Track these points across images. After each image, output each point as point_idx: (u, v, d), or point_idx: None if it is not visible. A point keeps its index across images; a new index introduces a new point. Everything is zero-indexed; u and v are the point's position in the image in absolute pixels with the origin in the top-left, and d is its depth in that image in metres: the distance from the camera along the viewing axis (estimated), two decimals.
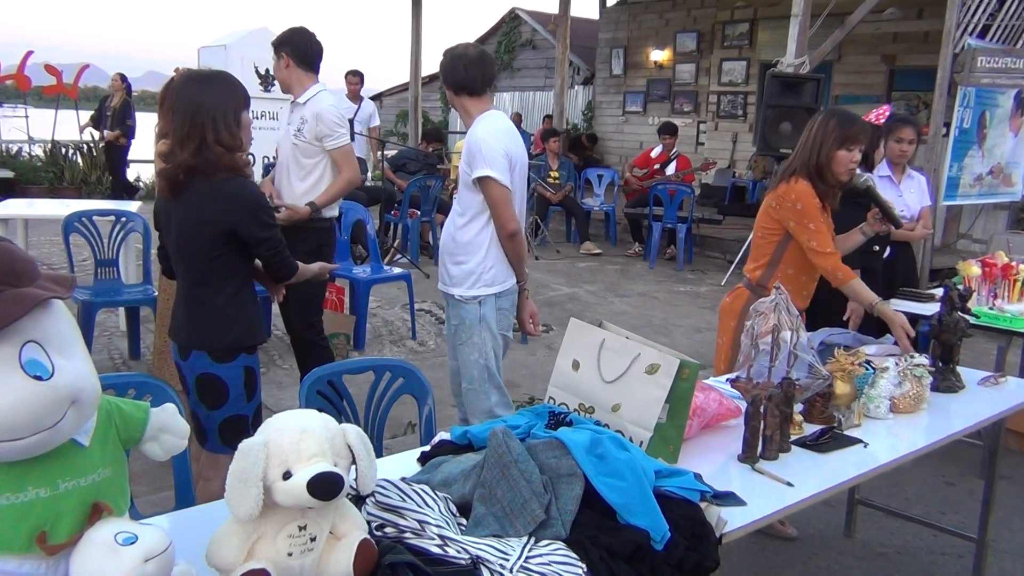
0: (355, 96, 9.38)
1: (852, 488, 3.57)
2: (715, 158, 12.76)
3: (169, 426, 1.49)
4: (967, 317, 3.02)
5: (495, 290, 3.30)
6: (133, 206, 5.38)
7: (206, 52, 9.86)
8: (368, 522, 1.60)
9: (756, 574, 3.25)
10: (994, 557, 3.40)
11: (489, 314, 3.29)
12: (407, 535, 1.58)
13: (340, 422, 2.59)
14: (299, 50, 3.91)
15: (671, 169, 9.78)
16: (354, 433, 1.51)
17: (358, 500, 1.65)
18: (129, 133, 11.82)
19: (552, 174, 9.83)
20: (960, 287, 3.01)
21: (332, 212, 4.02)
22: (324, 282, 4.19)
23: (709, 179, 12.29)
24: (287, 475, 1.41)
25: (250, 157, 2.81)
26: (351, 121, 9.29)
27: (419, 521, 1.60)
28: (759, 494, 2.05)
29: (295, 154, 3.93)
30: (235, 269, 2.59)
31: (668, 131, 9.68)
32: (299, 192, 3.95)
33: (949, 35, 7.15)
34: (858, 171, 3.28)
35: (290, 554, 1.44)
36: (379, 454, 2.58)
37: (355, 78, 9.41)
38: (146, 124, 9.17)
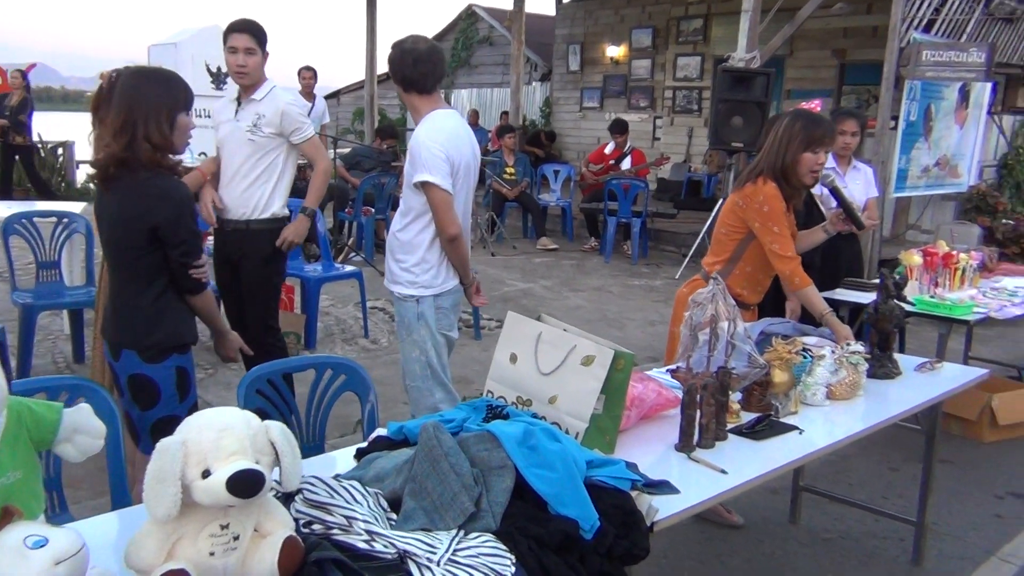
0: (308, 93, 9.29)
1: (797, 475, 3.62)
2: (671, 153, 12.88)
3: (84, 427, 1.46)
4: (903, 305, 3.08)
5: (432, 292, 3.28)
6: (76, 207, 5.28)
7: (156, 50, 9.73)
8: (296, 519, 1.59)
9: (702, 562, 3.29)
10: (934, 539, 3.48)
11: (428, 312, 3.28)
12: (334, 531, 1.57)
13: (285, 421, 2.60)
14: (265, 45, 3.83)
15: (626, 164, 9.83)
16: (277, 430, 1.50)
17: (287, 498, 1.64)
18: (25, 131, 11.11)
19: (508, 170, 9.83)
20: (896, 276, 3.06)
21: (284, 211, 3.96)
22: (281, 283, 4.14)
23: (665, 174, 12.39)
24: (206, 473, 1.40)
25: (183, 159, 2.76)
26: None
27: (347, 517, 1.59)
28: (694, 482, 2.07)
29: (251, 152, 3.80)
30: (162, 268, 2.55)
31: (618, 130, 9.76)
32: (259, 197, 3.85)
33: (895, 29, 7.28)
34: (825, 170, 3.33)
35: (212, 554, 1.43)
36: (321, 451, 2.59)
37: (309, 74, 9.30)
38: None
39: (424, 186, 3.15)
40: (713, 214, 8.56)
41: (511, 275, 8.22)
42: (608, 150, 9.84)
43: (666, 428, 2.37)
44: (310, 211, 3.99)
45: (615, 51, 13.88)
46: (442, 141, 3.15)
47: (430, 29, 17.98)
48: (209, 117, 6.27)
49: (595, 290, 7.79)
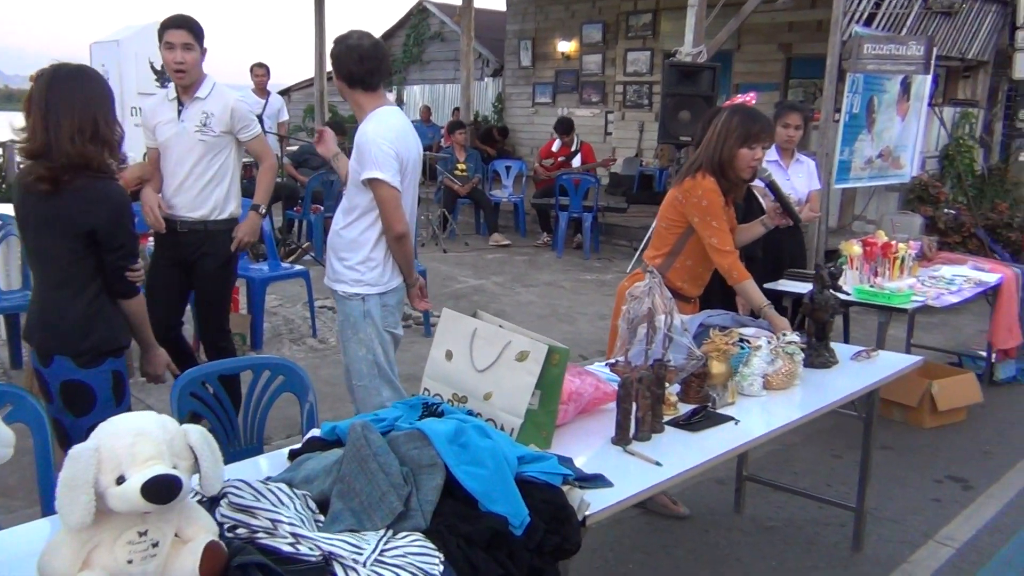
0: (261, 90, 9.17)
1: (740, 465, 3.67)
2: (622, 147, 12.98)
3: None
4: (838, 295, 3.13)
5: (379, 290, 3.25)
6: (11, 209, 5.14)
7: (98, 48, 9.52)
8: (220, 524, 1.57)
9: (648, 553, 3.31)
10: (874, 524, 3.55)
11: (374, 310, 3.25)
12: (259, 535, 1.55)
13: (221, 424, 2.56)
14: (203, 40, 3.75)
15: (577, 162, 9.88)
16: (196, 433, 1.48)
17: (213, 502, 1.62)
18: None
19: (460, 167, 9.81)
20: (830, 267, 3.11)
21: (239, 210, 3.91)
22: (231, 283, 4.07)
23: (618, 168, 12.45)
24: (121, 480, 1.37)
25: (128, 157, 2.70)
26: (260, 116, 9.11)
27: (272, 520, 1.57)
28: (629, 475, 2.08)
29: (203, 152, 3.72)
30: (96, 272, 2.50)
31: (562, 130, 9.84)
32: (217, 197, 3.78)
33: (837, 23, 7.38)
34: (765, 164, 3.35)
35: (130, 561, 1.40)
36: (260, 453, 2.56)
37: (261, 71, 9.19)
38: None
39: (373, 183, 3.11)
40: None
41: (463, 272, 8.21)
42: (555, 147, 9.88)
43: (604, 422, 2.38)
44: (261, 209, 3.94)
45: (566, 46, 13.91)
46: (391, 139, 3.13)
47: (380, 25, 17.85)
48: None
49: (547, 285, 7.81)
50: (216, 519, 1.56)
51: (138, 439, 1.39)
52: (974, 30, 9.40)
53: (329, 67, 3.25)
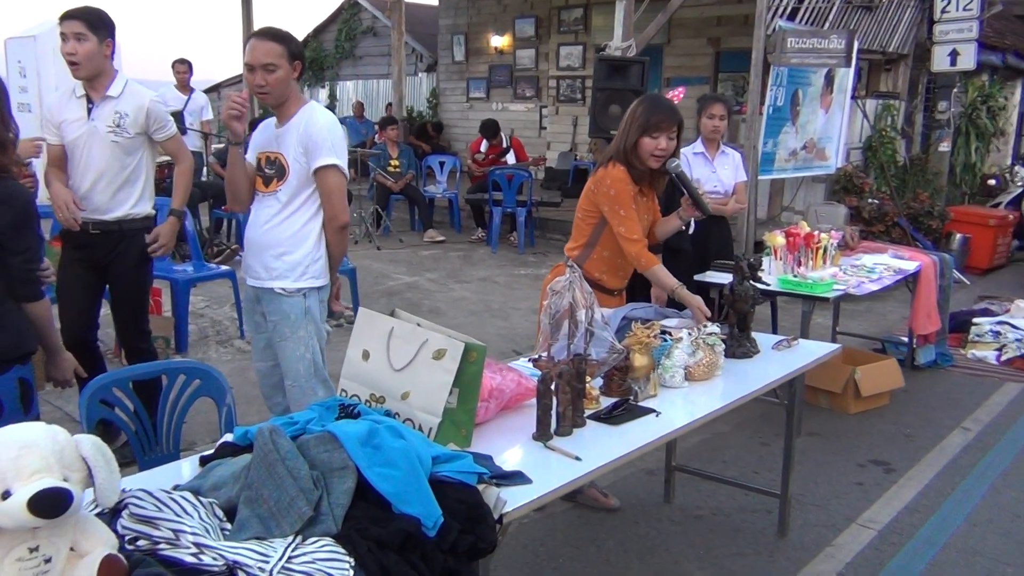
0: (184, 86, 8.95)
1: (669, 455, 3.70)
2: (557, 142, 13.02)
3: None
4: (758, 285, 3.18)
5: (321, 282, 3.22)
6: None
7: (13, 43, 9.19)
8: (121, 536, 1.51)
9: (578, 547, 3.32)
10: (799, 509, 3.62)
11: (314, 306, 3.21)
12: (161, 546, 1.50)
13: (135, 431, 2.48)
14: (114, 36, 3.62)
15: (511, 159, 9.89)
16: (88, 443, 1.42)
17: (114, 513, 1.57)
18: None
19: (393, 163, 9.72)
20: (749, 258, 3.15)
21: (153, 210, 3.80)
22: (148, 284, 3.95)
23: (552, 162, 12.51)
24: (7, 495, 1.31)
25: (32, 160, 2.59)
26: (180, 113, 8.88)
27: (174, 531, 1.52)
28: (549, 471, 2.08)
29: (116, 153, 3.60)
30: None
31: (488, 133, 9.88)
32: (131, 199, 3.67)
33: (761, 17, 7.51)
34: (692, 155, 3.35)
35: None
36: (177, 459, 2.49)
37: (183, 67, 8.96)
38: None
39: (328, 171, 3.09)
40: None
41: (397, 269, 8.14)
42: (483, 147, 9.89)
43: (527, 418, 2.36)
44: (179, 212, 3.84)
45: (499, 41, 13.90)
46: (339, 129, 3.19)
47: (311, 20, 17.58)
48: None
49: (481, 281, 7.79)
50: (116, 531, 1.51)
51: (24, 451, 1.33)
52: (894, 24, 9.66)
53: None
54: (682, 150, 5.02)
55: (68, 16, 3.48)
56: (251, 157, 3.23)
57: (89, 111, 3.58)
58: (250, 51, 3.02)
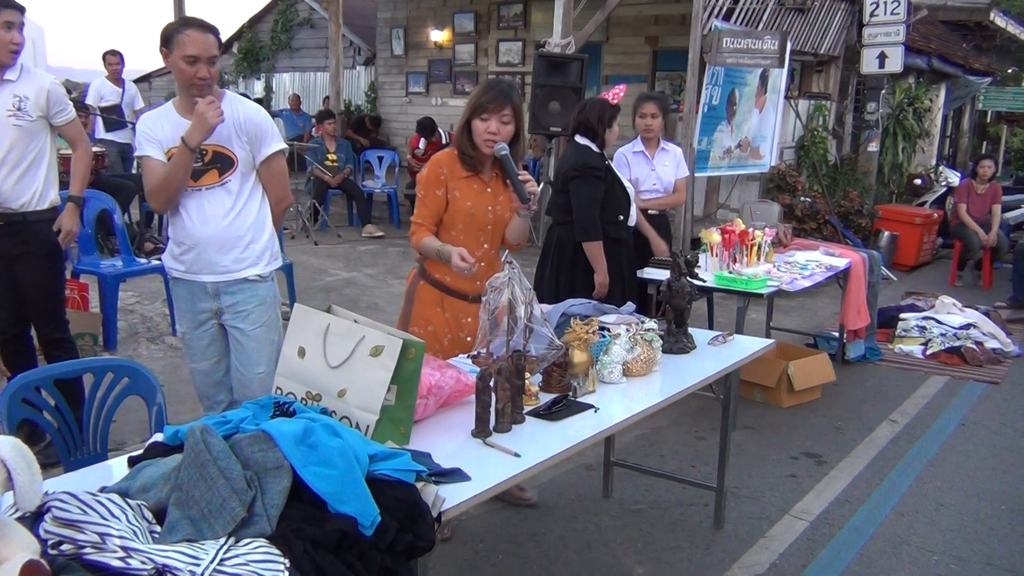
0: (115, 78, 8.71)
1: (608, 450, 3.73)
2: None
3: None
4: (695, 282, 3.21)
5: (279, 263, 3.25)
6: None
7: None
8: (44, 540, 1.46)
9: (517, 543, 3.32)
10: (735, 502, 3.67)
11: (275, 288, 3.23)
12: (86, 550, 1.45)
13: (59, 431, 2.40)
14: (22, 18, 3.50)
15: None
16: (8, 446, 1.37)
17: (37, 517, 1.51)
18: None
19: (330, 157, 9.60)
20: (686, 255, 3.19)
21: (56, 199, 3.68)
22: (61, 273, 3.82)
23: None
24: None
25: None
26: (119, 106, 8.65)
27: (100, 534, 1.47)
28: (488, 467, 2.07)
29: (17, 138, 3.48)
30: None
31: (424, 132, 9.86)
32: (36, 186, 3.56)
33: (697, 17, 7.60)
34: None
35: None
36: (104, 460, 2.41)
37: (115, 58, 8.74)
38: None
39: (277, 156, 3.10)
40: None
41: (335, 264, 8.04)
42: (422, 145, 9.85)
43: (467, 415, 2.35)
44: (77, 199, 3.73)
45: (439, 35, 13.80)
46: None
47: (246, 10, 17.24)
48: None
49: None
50: (39, 535, 1.46)
51: None
52: (825, 26, 9.87)
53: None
54: (620, 150, 5.07)
55: None
56: (161, 151, 2.98)
57: None
58: (191, 42, 2.87)
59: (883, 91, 10.71)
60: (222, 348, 3.19)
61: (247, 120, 3.03)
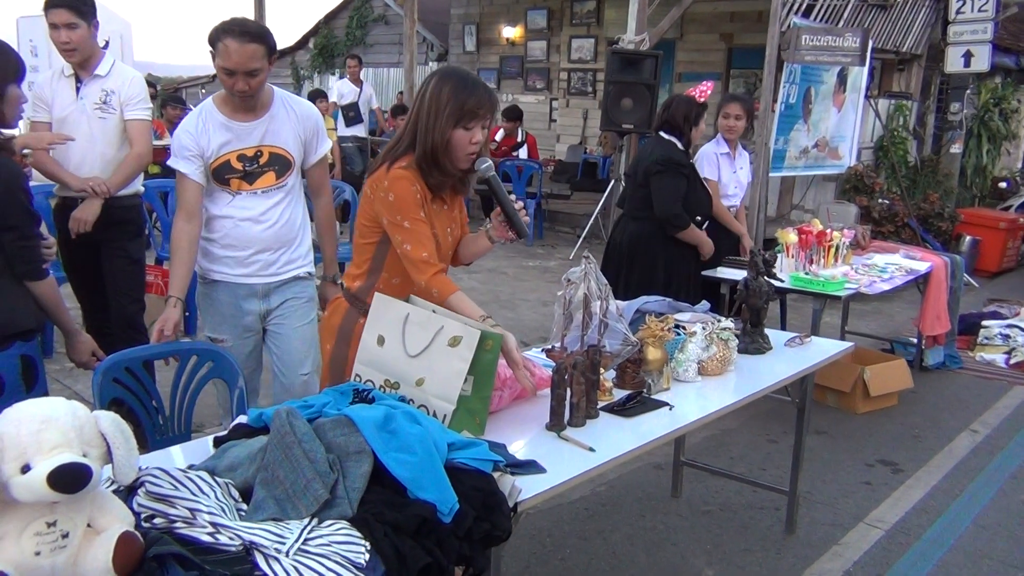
0: (355, 79, 10.30)
1: (677, 450, 3.69)
2: (566, 135, 12.99)
3: None
4: (772, 281, 3.16)
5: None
6: None
7: (25, 22, 9.17)
8: (137, 513, 1.51)
9: (585, 539, 3.32)
10: (807, 507, 3.61)
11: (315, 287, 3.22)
12: (177, 524, 1.50)
13: (146, 412, 2.48)
14: (90, 15, 3.62)
15: (524, 153, 9.86)
16: (108, 420, 1.42)
17: (130, 491, 1.56)
18: None
19: None
20: (764, 254, 3.14)
21: (139, 187, 3.81)
22: (142, 258, 3.94)
23: (561, 155, 12.48)
24: (26, 468, 1.31)
25: (14, 133, 2.56)
26: (356, 104, 10.06)
27: (190, 510, 1.51)
28: (563, 461, 2.07)
29: (103, 130, 3.63)
30: None
31: (509, 116, 9.81)
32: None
33: (776, 14, 7.46)
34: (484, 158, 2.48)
35: (38, 553, 1.34)
36: (188, 441, 2.48)
37: (353, 61, 10.56)
38: None
39: (325, 158, 3.08)
40: (605, 195, 8.68)
41: None
42: (499, 136, 9.85)
43: (540, 408, 2.36)
44: (103, 189, 3.58)
45: (511, 32, 13.85)
46: None
47: (322, 7, 17.53)
48: None
49: (489, 272, 7.78)
50: (133, 508, 1.51)
51: (44, 426, 1.33)
52: (908, 24, 9.60)
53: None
54: (704, 148, 4.97)
55: (54, 5, 3.49)
56: (197, 167, 2.81)
57: (77, 90, 3.64)
58: (227, 54, 2.65)
59: (968, 91, 10.36)
60: (259, 358, 3.12)
61: (304, 118, 2.95)
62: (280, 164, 2.92)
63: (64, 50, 3.52)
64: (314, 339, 3.06)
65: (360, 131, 10.09)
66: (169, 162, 2.87)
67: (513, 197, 2.52)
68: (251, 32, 2.68)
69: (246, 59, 2.66)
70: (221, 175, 2.85)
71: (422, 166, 2.38)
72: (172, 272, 2.83)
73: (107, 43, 3.64)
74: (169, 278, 2.85)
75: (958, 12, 9.59)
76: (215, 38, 2.67)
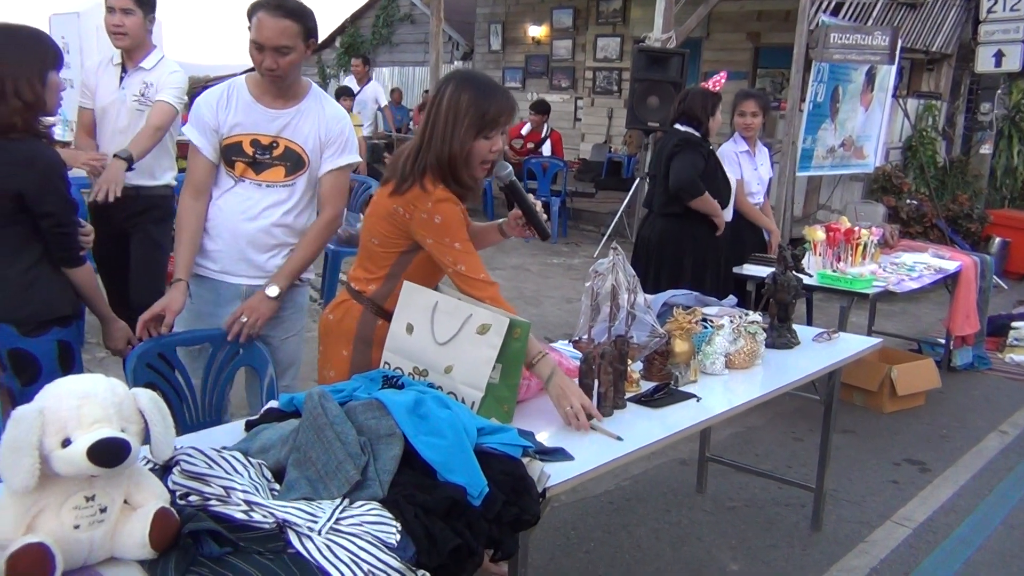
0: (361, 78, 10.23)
1: (703, 445, 3.69)
2: (591, 133, 12.97)
3: None
4: (800, 276, 3.15)
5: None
6: None
7: (58, 19, 9.31)
8: (172, 491, 1.54)
9: (609, 532, 3.32)
10: (833, 505, 3.58)
11: (307, 295, 3.05)
12: (212, 502, 1.52)
13: (178, 396, 2.51)
14: (148, 7, 3.67)
15: (547, 150, 9.86)
16: (146, 397, 1.44)
17: (165, 469, 1.59)
18: None
19: None
20: (793, 249, 3.12)
21: (171, 180, 3.84)
22: (168, 247, 3.94)
23: (586, 154, 12.47)
24: (67, 443, 1.33)
25: (56, 120, 2.60)
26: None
27: (225, 488, 1.54)
28: (590, 449, 2.08)
29: (140, 122, 3.65)
30: (31, 238, 2.38)
31: (537, 109, 9.81)
32: (154, 162, 3.73)
33: (804, 12, 7.42)
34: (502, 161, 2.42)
35: (77, 526, 1.37)
36: (219, 424, 2.51)
37: (358, 60, 10.42)
38: None
39: (346, 169, 2.76)
40: (630, 194, 8.67)
41: None
42: (524, 131, 9.85)
43: None
44: (125, 154, 3.48)
45: (536, 31, 13.85)
46: None
47: (349, 5, 17.63)
48: None
49: (514, 269, 7.79)
50: (168, 486, 1.53)
51: (85, 401, 1.35)
52: (938, 23, 9.51)
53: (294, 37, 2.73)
54: (725, 147, 4.95)
55: None
56: (210, 141, 2.67)
57: (121, 79, 3.68)
58: (259, 28, 2.51)
59: (999, 91, 10.23)
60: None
61: (332, 120, 2.72)
62: (293, 161, 2.70)
63: (115, 33, 3.54)
64: (296, 353, 2.91)
65: (363, 131, 9.93)
66: (184, 128, 2.74)
67: (531, 198, 2.47)
68: (287, 7, 2.53)
69: (277, 34, 2.51)
70: (229, 156, 2.67)
71: (445, 180, 2.29)
72: (178, 252, 2.67)
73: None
74: (175, 257, 2.69)
75: (989, 11, 9.47)
76: (252, 11, 2.54)
